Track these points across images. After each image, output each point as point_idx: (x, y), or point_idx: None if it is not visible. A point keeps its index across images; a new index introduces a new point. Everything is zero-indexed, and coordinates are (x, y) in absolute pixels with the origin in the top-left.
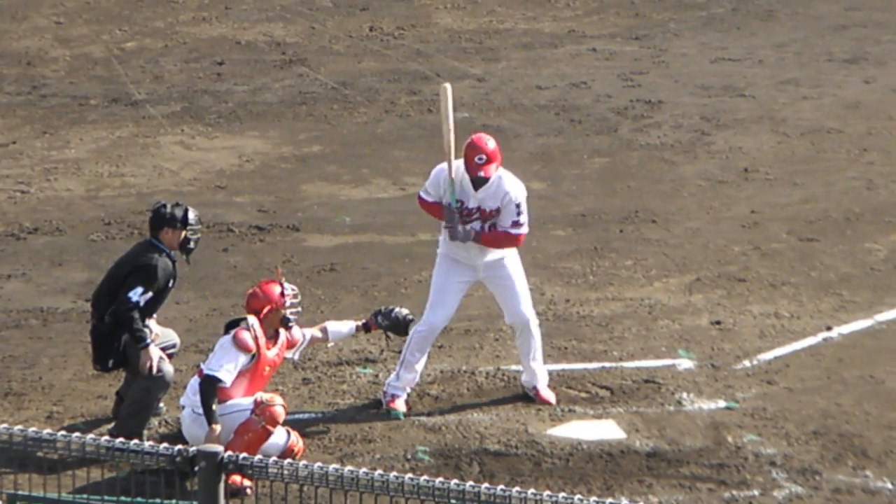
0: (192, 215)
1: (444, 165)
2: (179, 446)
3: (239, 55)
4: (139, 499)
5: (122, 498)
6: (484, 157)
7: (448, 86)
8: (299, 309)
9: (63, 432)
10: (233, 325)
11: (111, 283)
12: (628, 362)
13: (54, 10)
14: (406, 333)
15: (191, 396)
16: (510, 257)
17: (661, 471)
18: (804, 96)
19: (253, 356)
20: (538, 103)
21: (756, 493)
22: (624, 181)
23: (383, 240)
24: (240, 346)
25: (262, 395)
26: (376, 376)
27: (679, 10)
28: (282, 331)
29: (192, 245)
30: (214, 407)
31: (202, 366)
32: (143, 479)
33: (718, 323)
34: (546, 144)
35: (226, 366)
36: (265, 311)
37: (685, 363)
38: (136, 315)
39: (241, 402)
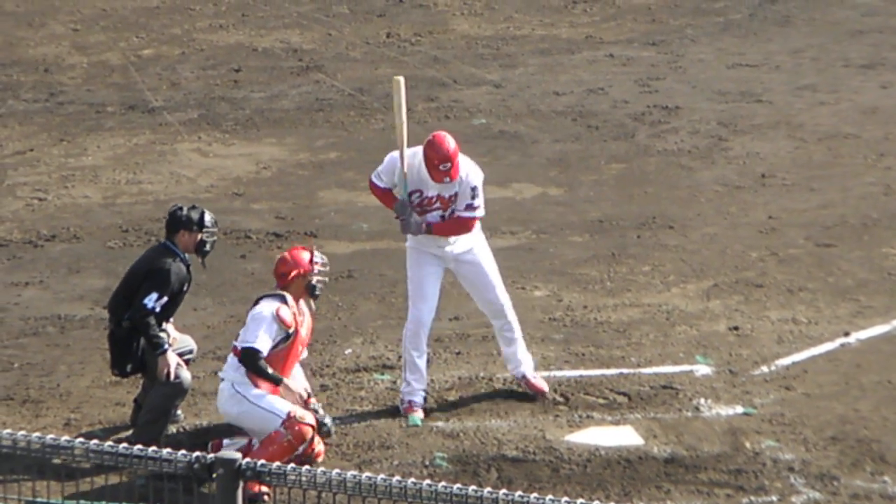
0: (208, 218)
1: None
2: (197, 453)
3: (256, 62)
4: None
5: None
6: (448, 164)
7: (401, 78)
8: (326, 279)
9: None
10: (262, 297)
11: (127, 289)
12: (646, 368)
13: (71, 18)
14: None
15: (230, 372)
16: (479, 244)
17: (679, 477)
18: (821, 102)
19: (289, 334)
20: (555, 109)
21: (774, 498)
22: (641, 187)
23: (400, 246)
24: (281, 322)
25: (296, 411)
26: (394, 382)
27: (696, 16)
28: (306, 310)
29: (208, 248)
30: (270, 370)
31: (236, 343)
32: (161, 485)
33: (736, 328)
34: (563, 150)
35: (261, 336)
36: (292, 275)
37: (703, 369)
38: (153, 321)
39: (276, 404)
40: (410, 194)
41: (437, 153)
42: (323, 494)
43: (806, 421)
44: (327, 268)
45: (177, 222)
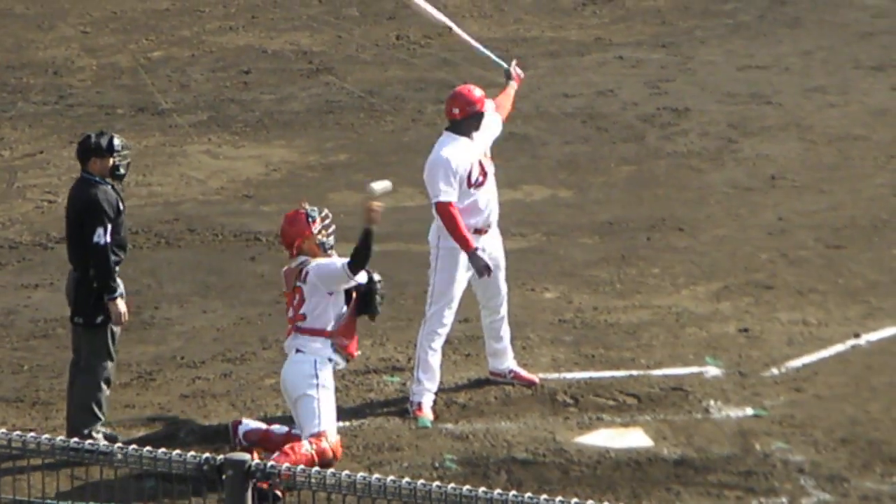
0: (117, 141)
1: (447, 156)
2: (207, 454)
3: (265, 64)
4: None
5: None
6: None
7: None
8: (333, 227)
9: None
10: (305, 264)
11: (73, 237)
12: (656, 370)
13: (81, 20)
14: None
15: (311, 344)
16: (500, 240)
17: (689, 478)
18: (831, 103)
19: (350, 293)
20: (565, 111)
21: (784, 500)
22: (651, 189)
23: (410, 248)
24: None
25: (330, 432)
26: (403, 384)
27: (705, 18)
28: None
29: (122, 171)
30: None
31: (302, 325)
32: (170, 487)
33: (746, 330)
34: (573, 152)
35: (344, 264)
36: (297, 243)
37: (713, 371)
38: (111, 260)
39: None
40: (469, 175)
41: (471, 93)
42: (332, 496)
43: (816, 423)
44: (329, 218)
45: (87, 150)
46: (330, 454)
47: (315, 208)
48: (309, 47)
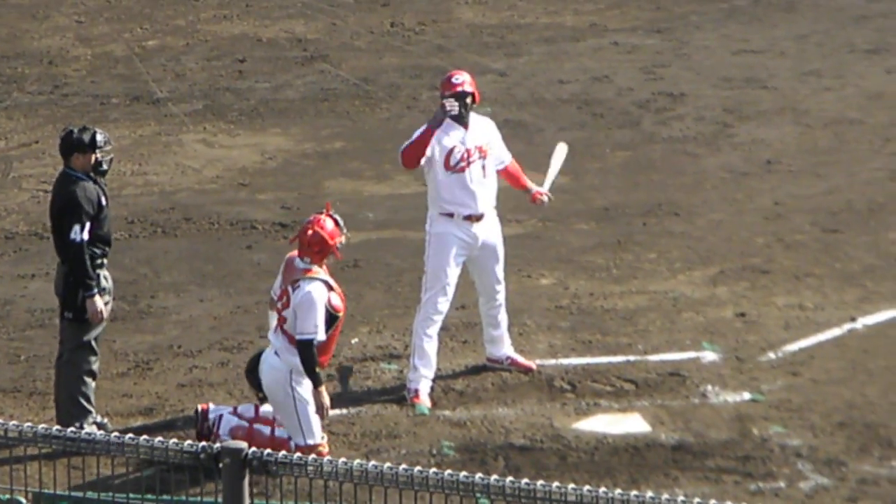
0: (100, 137)
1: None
2: (204, 443)
3: (260, 52)
4: (165, 496)
5: (148, 496)
6: (460, 77)
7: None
8: (344, 241)
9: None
10: (301, 280)
11: (53, 229)
12: (653, 355)
13: (75, 10)
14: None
15: (289, 356)
16: (498, 227)
17: (687, 463)
18: (826, 87)
19: (337, 317)
20: (560, 97)
21: (782, 484)
22: (647, 174)
23: (406, 235)
24: (335, 310)
25: (320, 445)
26: (401, 372)
27: (700, 3)
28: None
29: (105, 167)
30: (318, 369)
31: (286, 327)
32: (168, 476)
33: (743, 315)
34: (568, 138)
35: (318, 325)
36: (325, 249)
37: (710, 355)
38: (86, 257)
39: (312, 424)
40: (449, 155)
41: (449, 77)
42: (330, 483)
43: (813, 407)
44: (346, 229)
45: (69, 146)
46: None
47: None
48: (303, 35)
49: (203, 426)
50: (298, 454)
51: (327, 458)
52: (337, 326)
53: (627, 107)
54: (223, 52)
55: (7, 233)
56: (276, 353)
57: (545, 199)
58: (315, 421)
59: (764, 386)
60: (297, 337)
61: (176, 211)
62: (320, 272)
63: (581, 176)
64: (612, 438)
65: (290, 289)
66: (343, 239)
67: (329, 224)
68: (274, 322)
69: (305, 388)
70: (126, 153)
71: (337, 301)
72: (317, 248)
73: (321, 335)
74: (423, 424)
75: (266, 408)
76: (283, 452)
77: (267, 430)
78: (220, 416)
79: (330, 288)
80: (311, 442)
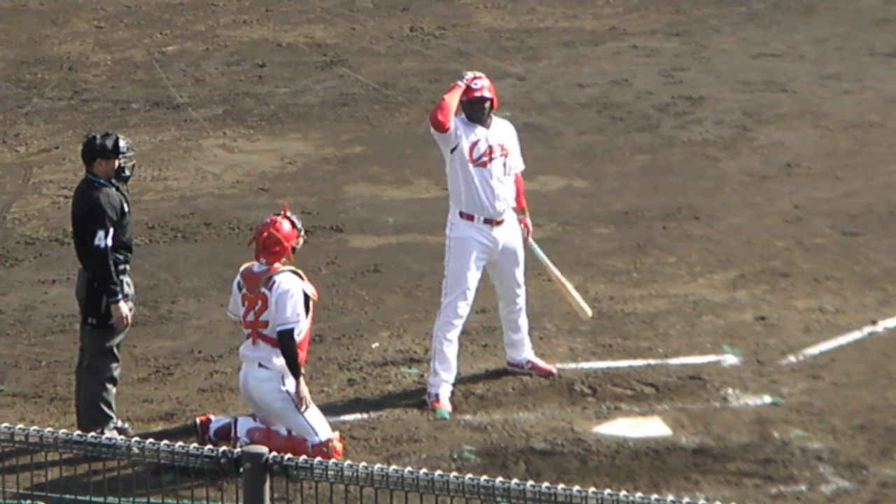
0: (122, 143)
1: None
2: (224, 448)
3: (280, 57)
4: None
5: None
6: (479, 81)
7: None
8: (301, 242)
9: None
10: (273, 275)
11: (79, 239)
12: (673, 359)
13: (95, 15)
14: None
15: (274, 360)
16: (518, 231)
17: (708, 467)
18: (845, 91)
19: (308, 307)
20: (579, 101)
21: (803, 488)
22: (666, 178)
23: (426, 240)
24: (308, 298)
25: (333, 440)
26: (421, 376)
27: (719, 6)
28: None
29: (127, 173)
30: (299, 362)
31: (264, 331)
32: (189, 481)
33: (763, 318)
34: (588, 142)
35: (299, 312)
36: (281, 251)
37: (730, 359)
38: (111, 263)
39: (319, 423)
40: (473, 147)
41: (471, 81)
42: (351, 488)
43: (834, 410)
44: (303, 231)
45: (92, 151)
46: (338, 456)
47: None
48: (323, 40)
49: (204, 437)
50: (318, 458)
51: (348, 462)
52: (310, 321)
53: (647, 110)
54: (243, 57)
55: (28, 238)
56: (259, 365)
57: (529, 239)
58: (320, 416)
59: (784, 389)
60: (279, 328)
61: (196, 216)
62: (293, 269)
63: (601, 180)
64: (633, 442)
65: (263, 291)
66: (300, 241)
67: (286, 225)
68: (247, 338)
69: (292, 385)
70: (146, 158)
71: (310, 288)
72: (274, 249)
73: (303, 322)
74: (443, 429)
75: None
76: (304, 457)
77: (284, 430)
78: (237, 420)
79: (301, 278)
80: (323, 438)
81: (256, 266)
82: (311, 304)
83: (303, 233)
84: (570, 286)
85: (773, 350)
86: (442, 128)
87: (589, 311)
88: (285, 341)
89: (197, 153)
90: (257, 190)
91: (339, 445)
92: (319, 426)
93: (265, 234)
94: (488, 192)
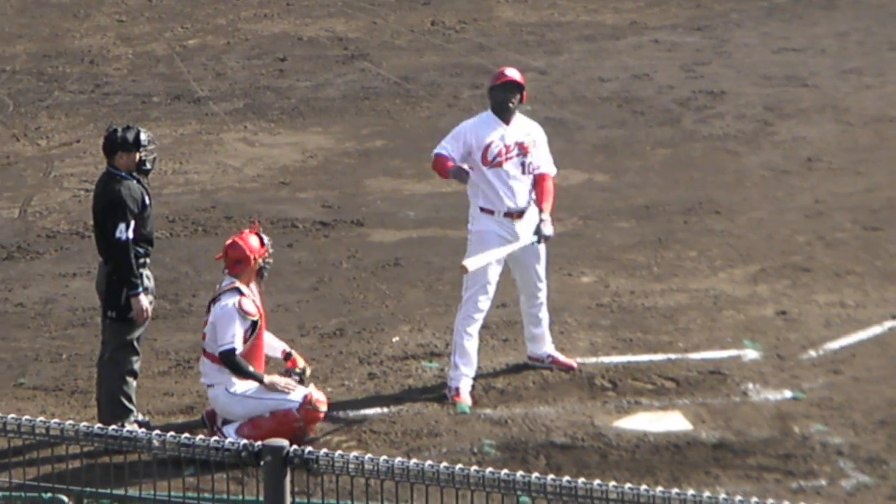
0: (143, 136)
1: (469, 123)
2: (244, 441)
3: (301, 51)
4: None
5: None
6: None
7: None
8: (271, 261)
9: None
10: (216, 297)
11: (99, 232)
12: (694, 353)
13: (116, 9)
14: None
15: (217, 375)
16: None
17: (728, 462)
18: (867, 85)
19: (255, 322)
20: (600, 95)
21: (823, 482)
22: (687, 172)
23: (447, 234)
24: (246, 314)
25: (312, 394)
26: (441, 370)
27: (741, 1)
28: (255, 289)
29: (148, 166)
30: (252, 369)
31: (207, 348)
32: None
33: (784, 313)
34: (609, 136)
35: (236, 335)
36: (245, 261)
37: (751, 353)
38: (132, 255)
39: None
40: (486, 150)
41: (502, 70)
42: (371, 481)
43: (854, 405)
44: (272, 249)
45: (113, 144)
46: (320, 417)
47: (265, 237)
48: (344, 34)
49: (213, 428)
50: (339, 452)
51: (368, 456)
52: (259, 333)
53: (668, 104)
54: (264, 50)
55: (49, 232)
56: (208, 386)
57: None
58: (282, 384)
59: (805, 384)
60: (218, 350)
61: (217, 210)
62: (236, 286)
63: (621, 174)
64: (653, 436)
65: (210, 306)
66: (268, 259)
67: (253, 240)
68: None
69: (243, 383)
70: (167, 152)
71: (248, 305)
72: (235, 260)
73: (239, 345)
74: (463, 423)
75: None
76: (325, 451)
77: (266, 414)
78: (222, 429)
79: (242, 294)
80: (299, 398)
81: (227, 279)
82: (260, 321)
83: (271, 251)
84: (497, 254)
85: (794, 345)
86: (444, 176)
87: (469, 268)
88: (227, 361)
89: (218, 147)
90: (278, 184)
91: (319, 394)
92: (288, 391)
93: (231, 246)
94: (505, 190)
